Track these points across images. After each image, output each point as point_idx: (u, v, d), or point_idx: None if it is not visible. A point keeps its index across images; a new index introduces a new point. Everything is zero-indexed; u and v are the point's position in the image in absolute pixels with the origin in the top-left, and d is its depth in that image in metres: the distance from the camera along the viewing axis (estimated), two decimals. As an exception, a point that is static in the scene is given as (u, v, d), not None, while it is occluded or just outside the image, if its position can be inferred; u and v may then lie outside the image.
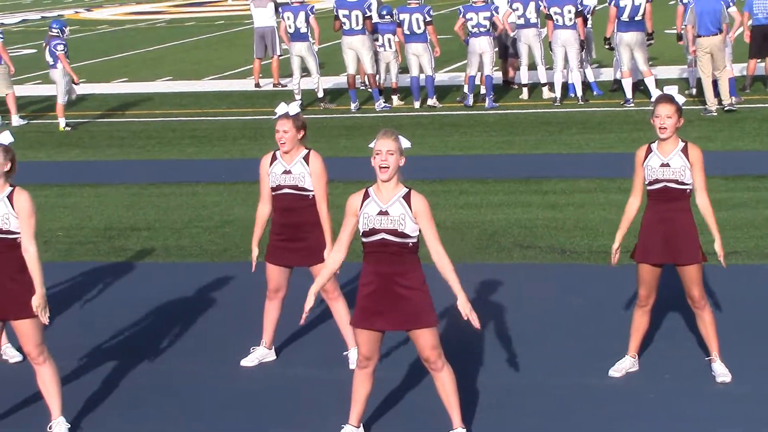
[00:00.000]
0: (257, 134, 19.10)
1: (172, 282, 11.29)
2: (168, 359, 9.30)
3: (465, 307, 7.18)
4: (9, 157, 7.57)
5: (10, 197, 7.52)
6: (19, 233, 7.54)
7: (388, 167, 7.13)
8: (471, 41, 20.44)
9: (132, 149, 18.63)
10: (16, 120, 21.21)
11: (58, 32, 20.46)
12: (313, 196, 8.72)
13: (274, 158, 8.75)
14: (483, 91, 20.62)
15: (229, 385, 8.70)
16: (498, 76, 22.71)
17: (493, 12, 20.31)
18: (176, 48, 33.01)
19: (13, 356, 9.28)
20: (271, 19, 23.66)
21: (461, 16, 20.41)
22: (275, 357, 9.14)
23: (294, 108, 8.68)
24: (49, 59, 20.42)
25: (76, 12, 47.89)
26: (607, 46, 20.37)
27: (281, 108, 8.67)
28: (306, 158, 8.69)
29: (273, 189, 8.75)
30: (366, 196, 7.22)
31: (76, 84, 20.64)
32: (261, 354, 9.08)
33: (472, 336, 9.40)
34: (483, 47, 20.30)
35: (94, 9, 49.54)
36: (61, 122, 20.59)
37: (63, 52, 20.18)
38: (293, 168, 8.66)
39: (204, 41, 34.82)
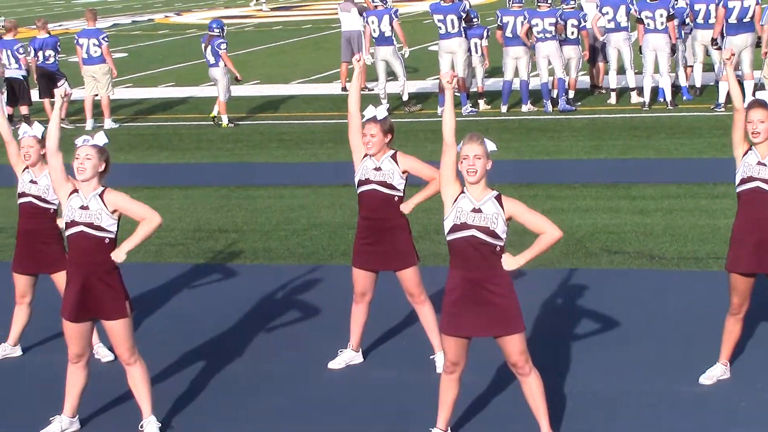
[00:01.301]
0: (343, 138, 18.93)
1: (259, 284, 11.37)
2: (255, 361, 9.37)
3: (511, 263, 7.11)
4: (104, 157, 7.69)
5: (101, 195, 7.64)
6: (109, 233, 7.63)
7: (476, 171, 7.13)
8: (538, 46, 20.41)
9: (220, 152, 18.81)
10: (108, 123, 21.52)
11: (219, 32, 20.90)
12: (399, 197, 8.73)
13: (365, 155, 8.77)
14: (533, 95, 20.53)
15: (316, 388, 8.74)
16: (584, 80, 22.60)
17: (559, 19, 20.24)
18: (264, 52, 33.27)
19: (105, 356, 9.42)
20: (357, 23, 23.77)
21: (526, 21, 20.33)
22: (362, 360, 9.17)
23: (382, 112, 8.69)
24: (210, 58, 20.85)
25: (166, 16, 48.53)
26: (714, 47, 20.13)
27: (369, 111, 8.69)
28: (393, 157, 8.71)
29: (360, 183, 8.77)
30: (461, 191, 7.22)
31: (239, 80, 21.12)
32: (348, 356, 9.11)
33: (560, 341, 9.36)
34: (550, 51, 20.27)
35: (184, 13, 50.14)
36: (224, 119, 21.06)
37: (225, 50, 20.70)
38: (382, 165, 8.68)
39: (291, 45, 35.07)
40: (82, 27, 22.29)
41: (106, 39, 21.60)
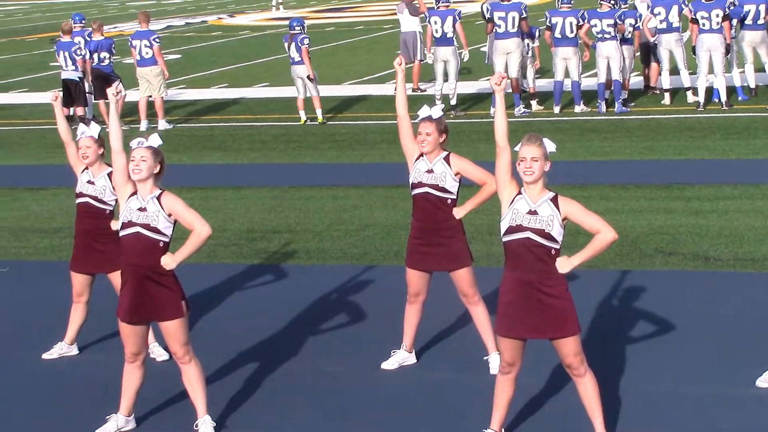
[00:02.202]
0: (397, 138, 19.00)
1: (312, 284, 11.40)
2: (309, 360, 9.39)
3: (565, 265, 7.08)
4: (158, 159, 7.74)
5: (159, 198, 7.70)
6: (164, 236, 7.68)
7: (533, 173, 7.10)
8: (598, 45, 20.30)
9: (273, 152, 18.88)
10: (162, 124, 21.67)
11: (300, 29, 21.16)
12: (452, 200, 8.72)
13: (420, 155, 8.78)
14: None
15: (370, 388, 8.75)
16: (638, 80, 22.47)
17: (617, 19, 20.09)
18: (316, 53, 33.20)
19: (160, 355, 9.49)
20: (412, 24, 23.82)
21: (586, 22, 20.24)
22: (416, 360, 9.16)
23: (437, 111, 8.70)
24: (295, 56, 21.01)
25: (219, 18, 48.78)
26: None
27: (424, 111, 8.70)
28: (447, 159, 8.70)
29: (413, 186, 8.77)
30: (519, 192, 7.20)
31: (311, 79, 21.16)
32: (401, 357, 9.11)
33: (614, 342, 9.31)
34: (609, 52, 20.15)
35: (237, 15, 50.37)
36: (319, 113, 21.22)
37: (307, 45, 20.98)
38: (435, 167, 8.68)
39: (343, 46, 35.13)
40: (136, 29, 22.45)
41: (157, 40, 21.75)
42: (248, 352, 9.60)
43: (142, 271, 7.70)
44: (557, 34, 20.44)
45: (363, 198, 15.08)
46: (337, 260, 12.31)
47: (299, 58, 21.03)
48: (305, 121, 21.29)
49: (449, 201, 8.71)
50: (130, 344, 7.90)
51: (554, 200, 7.14)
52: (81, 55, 21.67)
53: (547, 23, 20.59)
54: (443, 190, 8.67)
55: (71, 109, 21.86)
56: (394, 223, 13.52)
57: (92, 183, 9.28)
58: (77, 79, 21.78)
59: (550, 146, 7.18)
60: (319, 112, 21.23)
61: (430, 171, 8.68)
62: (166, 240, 7.72)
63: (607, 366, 8.68)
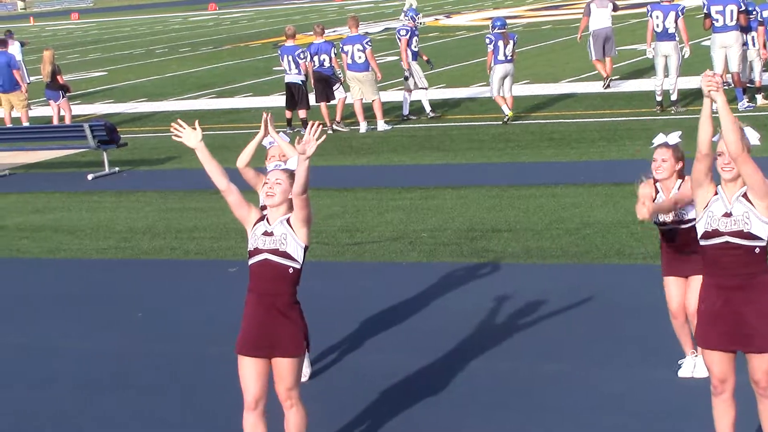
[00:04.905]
0: (615, 135, 18.94)
1: (532, 283, 11.38)
2: (528, 359, 9.40)
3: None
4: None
5: (287, 220, 7.11)
6: (295, 260, 7.05)
7: (732, 169, 6.59)
8: None
9: (492, 152, 18.92)
10: (381, 125, 21.99)
11: (503, 29, 21.47)
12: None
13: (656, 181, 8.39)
14: None
15: (591, 387, 8.70)
16: None
17: None
18: (532, 51, 33.24)
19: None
20: (609, 19, 23.75)
21: None
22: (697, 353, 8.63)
23: (674, 138, 8.34)
24: (508, 53, 21.31)
25: (436, 19, 49.17)
26: None
27: (659, 138, 8.36)
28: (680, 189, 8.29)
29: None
30: (715, 193, 6.73)
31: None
32: (690, 362, 8.71)
33: None
34: None
35: (453, 15, 50.68)
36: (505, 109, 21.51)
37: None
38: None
39: (560, 44, 34.90)
40: (347, 34, 22.85)
41: (369, 44, 22.11)
42: (467, 350, 9.66)
43: (269, 301, 7.07)
44: (779, 27, 19.85)
45: (583, 196, 14.97)
46: (557, 259, 12.26)
47: (511, 56, 21.15)
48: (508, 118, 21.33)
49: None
50: (251, 385, 7.08)
51: (745, 195, 6.63)
52: (304, 58, 22.22)
53: (759, 17, 20.00)
54: (684, 221, 8.26)
55: (294, 111, 22.46)
56: (615, 221, 13.36)
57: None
58: (300, 83, 22.33)
59: (753, 138, 6.69)
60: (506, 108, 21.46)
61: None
62: (297, 267, 7.05)
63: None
